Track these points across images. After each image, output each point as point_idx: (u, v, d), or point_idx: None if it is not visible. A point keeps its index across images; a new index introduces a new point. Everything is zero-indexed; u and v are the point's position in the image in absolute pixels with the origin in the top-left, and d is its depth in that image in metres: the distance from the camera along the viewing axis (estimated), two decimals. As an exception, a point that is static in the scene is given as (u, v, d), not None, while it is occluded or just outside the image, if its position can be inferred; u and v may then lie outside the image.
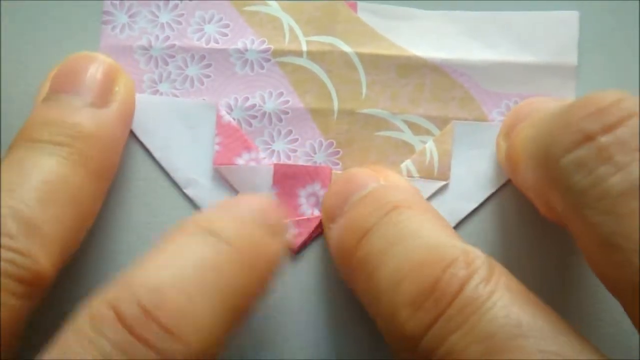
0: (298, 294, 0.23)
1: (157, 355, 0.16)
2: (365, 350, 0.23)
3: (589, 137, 0.16)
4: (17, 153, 0.19)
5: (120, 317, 0.16)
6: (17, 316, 0.18)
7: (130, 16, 0.22)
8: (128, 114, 0.21)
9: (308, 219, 0.22)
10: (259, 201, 0.19)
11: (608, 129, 0.16)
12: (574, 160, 0.17)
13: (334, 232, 0.20)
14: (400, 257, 0.17)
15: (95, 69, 0.21)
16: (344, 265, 0.19)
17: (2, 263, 0.18)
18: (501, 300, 0.16)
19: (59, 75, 0.21)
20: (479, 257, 0.17)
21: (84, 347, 0.16)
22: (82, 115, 0.20)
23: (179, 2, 0.23)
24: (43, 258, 0.19)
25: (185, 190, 0.22)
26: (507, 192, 0.23)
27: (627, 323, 0.24)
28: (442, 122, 0.22)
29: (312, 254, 0.23)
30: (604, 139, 0.16)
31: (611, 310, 0.24)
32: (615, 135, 0.16)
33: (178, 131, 0.22)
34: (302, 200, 0.22)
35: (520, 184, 0.20)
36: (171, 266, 0.17)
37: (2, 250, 0.18)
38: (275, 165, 0.22)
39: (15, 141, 0.20)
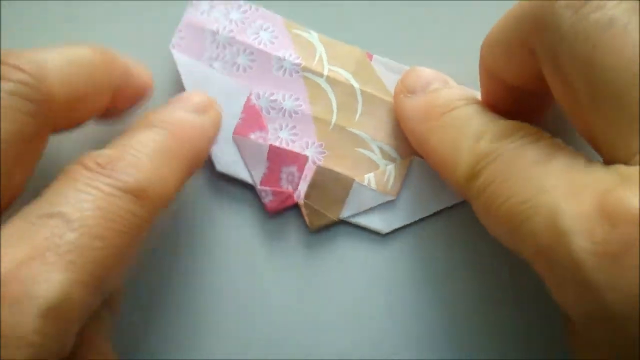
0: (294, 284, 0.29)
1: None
2: (371, 344, 0.28)
3: None
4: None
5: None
6: (25, 132, 0.21)
7: (211, 6, 0.30)
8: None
9: (282, 191, 0.28)
10: (188, 94, 0.26)
11: None
12: (567, 3, 0.21)
13: (412, 101, 0.27)
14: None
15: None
16: (419, 125, 0.27)
17: (8, 83, 0.21)
18: None
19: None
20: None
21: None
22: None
23: (248, 9, 0.30)
24: (55, 87, 0.22)
25: None
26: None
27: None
28: (406, 155, 0.29)
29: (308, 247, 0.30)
30: None
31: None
32: None
33: (216, 98, 0.29)
34: (283, 175, 0.29)
35: (487, 79, 0.26)
36: (124, 145, 0.23)
37: (13, 71, 0.21)
38: (271, 145, 0.29)
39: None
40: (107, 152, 0.22)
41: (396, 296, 0.29)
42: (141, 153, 0.23)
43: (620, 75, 0.20)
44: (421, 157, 0.28)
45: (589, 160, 0.22)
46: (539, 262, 0.21)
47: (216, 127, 0.27)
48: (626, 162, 0.20)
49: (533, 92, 0.25)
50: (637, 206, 0.18)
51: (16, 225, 0.20)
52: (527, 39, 0.22)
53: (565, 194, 0.20)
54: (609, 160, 0.21)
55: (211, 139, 0.26)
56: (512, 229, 0.22)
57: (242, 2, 0.30)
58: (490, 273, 0.29)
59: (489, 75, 0.26)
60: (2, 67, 0.21)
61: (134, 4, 0.31)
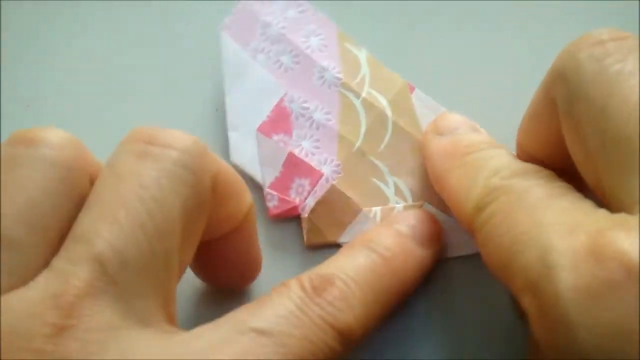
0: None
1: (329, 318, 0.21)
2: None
3: (601, 42, 0.21)
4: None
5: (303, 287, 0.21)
6: (190, 205, 0.21)
7: None
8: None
9: (287, 200, 0.28)
10: (415, 216, 0.27)
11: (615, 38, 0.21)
12: (590, 54, 0.21)
13: (440, 141, 0.27)
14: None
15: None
16: (441, 163, 0.26)
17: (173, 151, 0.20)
18: None
19: None
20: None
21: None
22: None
23: (306, 9, 0.29)
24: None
25: (229, 133, 0.29)
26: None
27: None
28: (419, 198, 0.28)
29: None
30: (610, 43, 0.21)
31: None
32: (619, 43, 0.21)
33: (251, 90, 0.29)
34: (293, 185, 0.28)
35: (525, 137, 0.26)
36: (340, 267, 0.23)
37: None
38: (290, 152, 0.29)
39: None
40: (322, 273, 0.22)
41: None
42: (354, 283, 0.23)
43: (629, 123, 0.20)
44: (431, 204, 0.28)
45: (596, 205, 0.22)
46: (525, 297, 0.21)
47: (436, 262, 0.26)
48: (629, 212, 0.20)
49: (568, 173, 0.24)
50: (628, 249, 0.18)
51: (222, 330, 0.20)
52: (551, 93, 0.23)
53: (561, 231, 0.20)
54: (615, 212, 0.21)
55: (425, 274, 0.26)
56: (505, 262, 0.22)
57: (303, 1, 0.29)
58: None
59: (525, 156, 0.26)
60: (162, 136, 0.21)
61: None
